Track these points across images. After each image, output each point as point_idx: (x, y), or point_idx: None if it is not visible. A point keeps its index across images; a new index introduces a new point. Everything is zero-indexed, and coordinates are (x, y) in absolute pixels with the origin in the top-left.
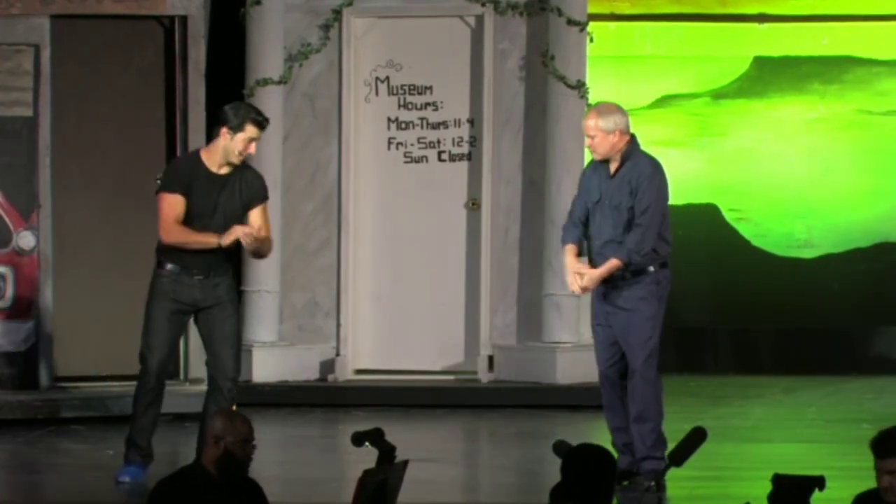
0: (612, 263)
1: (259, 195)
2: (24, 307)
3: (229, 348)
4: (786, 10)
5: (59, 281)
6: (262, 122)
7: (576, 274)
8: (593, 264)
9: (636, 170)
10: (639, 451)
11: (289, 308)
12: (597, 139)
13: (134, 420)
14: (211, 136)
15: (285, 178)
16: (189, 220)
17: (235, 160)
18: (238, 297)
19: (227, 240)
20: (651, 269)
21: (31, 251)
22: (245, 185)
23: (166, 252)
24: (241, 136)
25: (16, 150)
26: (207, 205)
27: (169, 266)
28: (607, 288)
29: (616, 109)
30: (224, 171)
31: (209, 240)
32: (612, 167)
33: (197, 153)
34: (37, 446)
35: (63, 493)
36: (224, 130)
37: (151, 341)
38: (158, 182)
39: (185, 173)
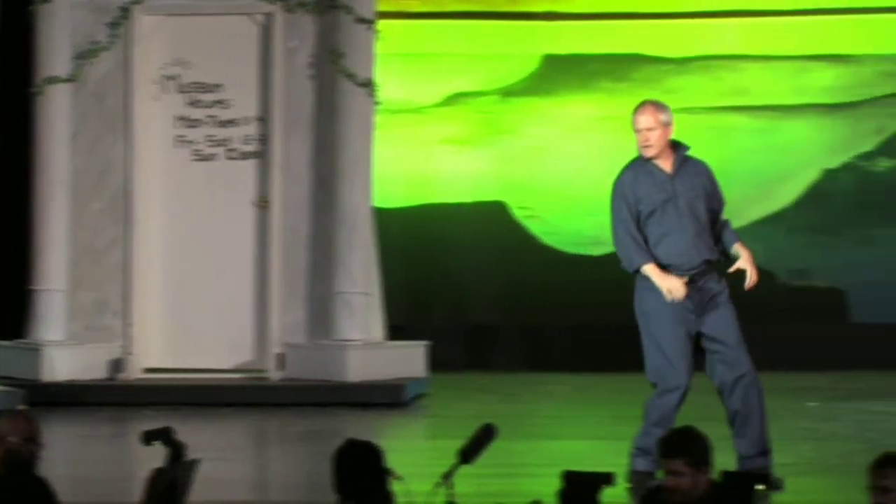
0: (747, 250)
1: None
2: None
3: None
4: (574, 8)
5: None
6: None
7: (748, 270)
8: (676, 264)
9: (700, 165)
10: (753, 449)
11: (77, 307)
12: (656, 132)
13: None
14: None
15: (74, 176)
16: None
17: None
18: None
19: None
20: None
21: None
22: None
23: None
24: None
25: None
26: None
27: None
28: (690, 287)
29: (664, 104)
30: None
31: None
32: (667, 164)
33: None
34: None
35: None
36: None
37: None
38: None
39: None
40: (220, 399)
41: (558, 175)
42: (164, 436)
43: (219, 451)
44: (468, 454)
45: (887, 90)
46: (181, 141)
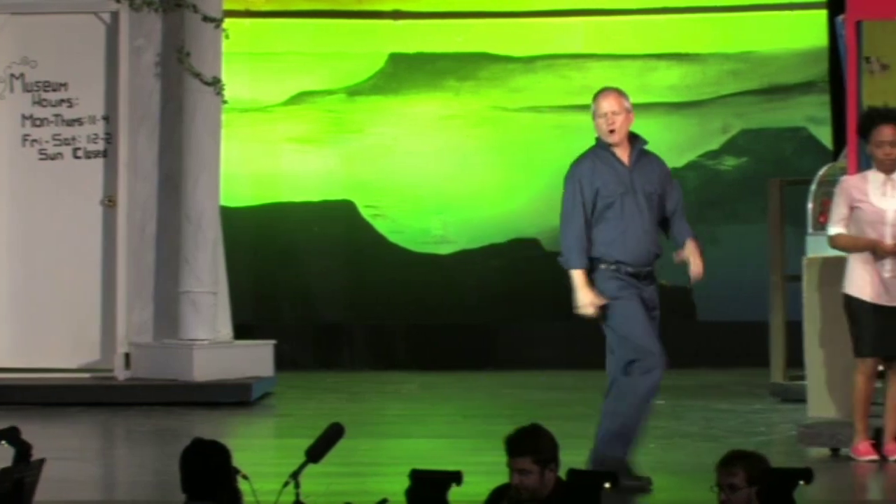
0: (696, 241)
1: None
2: None
3: None
4: (421, 7)
5: None
6: None
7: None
8: (630, 261)
9: (657, 160)
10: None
11: None
12: (622, 117)
13: None
14: None
15: None
16: None
17: None
18: None
19: None
20: None
21: None
22: None
23: None
24: None
25: None
26: None
27: None
28: (644, 284)
29: (625, 92)
30: None
31: None
32: (625, 155)
33: None
34: None
35: None
36: None
37: None
38: None
39: None
40: (67, 399)
41: (405, 174)
42: (10, 435)
43: (65, 450)
44: (316, 453)
45: (733, 89)
46: (27, 140)
